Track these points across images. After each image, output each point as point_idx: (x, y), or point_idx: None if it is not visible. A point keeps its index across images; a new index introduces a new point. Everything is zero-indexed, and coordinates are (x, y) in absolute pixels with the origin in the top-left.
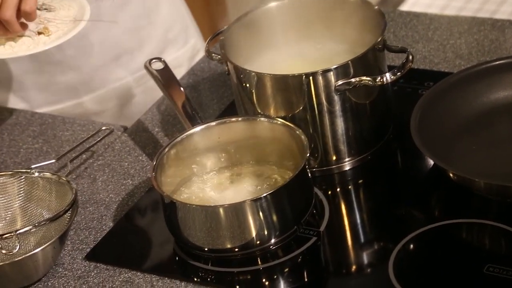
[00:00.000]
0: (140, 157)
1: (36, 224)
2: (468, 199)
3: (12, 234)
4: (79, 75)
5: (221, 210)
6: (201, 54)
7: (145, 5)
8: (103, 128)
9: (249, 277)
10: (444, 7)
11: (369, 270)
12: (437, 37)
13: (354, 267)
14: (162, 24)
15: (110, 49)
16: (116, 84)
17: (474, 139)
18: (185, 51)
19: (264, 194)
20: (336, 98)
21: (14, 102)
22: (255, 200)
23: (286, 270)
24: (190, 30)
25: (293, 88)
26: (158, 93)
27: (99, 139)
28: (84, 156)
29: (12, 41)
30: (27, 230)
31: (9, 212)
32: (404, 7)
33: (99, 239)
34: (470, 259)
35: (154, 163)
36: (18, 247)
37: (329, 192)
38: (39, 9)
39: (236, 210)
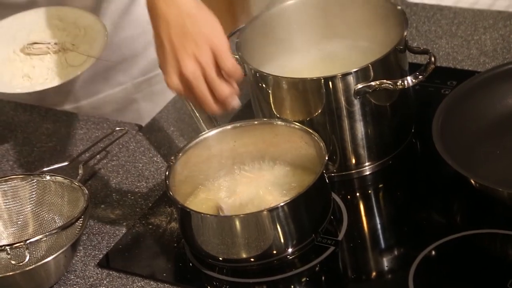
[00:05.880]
0: (155, 158)
1: (47, 234)
2: (492, 207)
3: (22, 244)
4: (78, 80)
5: (236, 220)
6: None
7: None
8: (117, 128)
9: None
10: None
11: (388, 282)
12: (461, 32)
13: (373, 278)
14: None
15: (112, 54)
16: (115, 90)
17: (499, 143)
18: None
19: (281, 204)
20: (355, 101)
21: None
22: (272, 210)
23: (304, 280)
24: None
25: (312, 92)
26: (161, 99)
27: (113, 140)
28: (97, 156)
29: (29, 75)
30: (38, 240)
31: (20, 217)
32: (426, 0)
33: (112, 244)
34: (493, 272)
35: (167, 171)
36: (27, 257)
37: (348, 198)
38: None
39: (252, 220)
